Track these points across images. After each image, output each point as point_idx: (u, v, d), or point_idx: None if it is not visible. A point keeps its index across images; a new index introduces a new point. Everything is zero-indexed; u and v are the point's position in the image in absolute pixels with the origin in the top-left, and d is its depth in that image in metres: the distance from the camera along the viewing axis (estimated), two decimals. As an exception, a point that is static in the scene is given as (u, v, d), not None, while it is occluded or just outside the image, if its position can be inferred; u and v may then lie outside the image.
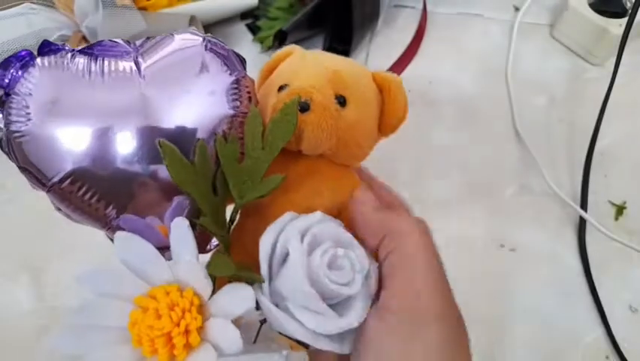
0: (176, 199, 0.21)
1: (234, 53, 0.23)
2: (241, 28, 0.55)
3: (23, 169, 0.21)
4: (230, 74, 0.22)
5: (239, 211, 0.23)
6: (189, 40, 0.22)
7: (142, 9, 0.47)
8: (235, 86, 0.22)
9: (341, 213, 0.24)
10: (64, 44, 0.22)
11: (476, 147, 0.46)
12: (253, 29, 0.55)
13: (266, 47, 0.52)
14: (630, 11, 0.43)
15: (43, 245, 0.42)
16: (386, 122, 0.26)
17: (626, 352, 0.36)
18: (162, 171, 0.21)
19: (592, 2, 0.49)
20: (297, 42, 0.52)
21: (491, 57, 0.52)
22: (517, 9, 0.56)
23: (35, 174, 0.21)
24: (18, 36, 0.45)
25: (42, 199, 0.48)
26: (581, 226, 0.41)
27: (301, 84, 0.23)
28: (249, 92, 0.22)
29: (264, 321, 0.23)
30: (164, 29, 0.52)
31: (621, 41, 0.43)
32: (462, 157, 0.46)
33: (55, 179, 0.21)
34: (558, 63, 0.52)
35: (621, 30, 0.44)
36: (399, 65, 0.52)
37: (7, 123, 0.20)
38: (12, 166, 0.50)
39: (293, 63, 0.26)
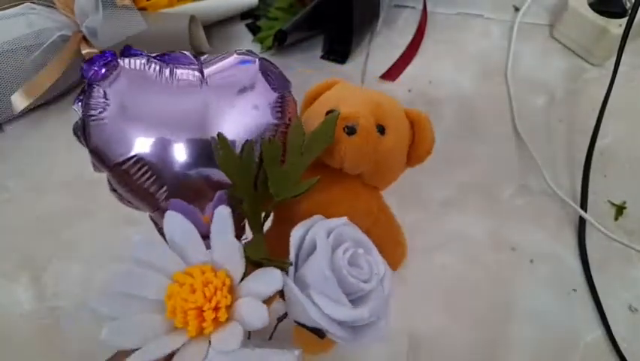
0: (219, 193, 0.25)
1: (282, 74, 0.27)
2: (241, 29, 0.55)
3: (91, 151, 0.24)
4: (276, 91, 0.25)
5: (272, 212, 0.25)
6: (246, 59, 0.26)
7: (142, 9, 0.47)
8: (280, 101, 0.25)
9: (369, 230, 0.26)
10: (142, 51, 0.25)
11: (476, 147, 0.46)
12: (253, 29, 0.55)
13: (266, 47, 0.52)
14: (630, 11, 0.43)
15: (43, 245, 0.42)
16: (414, 154, 0.29)
17: (625, 352, 0.36)
18: (209, 172, 0.24)
19: (592, 2, 0.49)
20: (296, 42, 0.53)
21: (491, 57, 0.52)
22: (517, 9, 0.56)
23: (101, 156, 0.24)
24: (18, 36, 0.45)
25: (43, 200, 0.48)
26: (581, 225, 0.42)
27: (349, 110, 0.26)
28: (290, 107, 0.26)
29: (281, 318, 0.25)
30: (164, 29, 0.52)
31: (621, 41, 0.43)
32: (462, 157, 0.46)
33: (118, 160, 0.24)
34: (558, 63, 0.52)
35: (621, 30, 0.44)
36: (399, 66, 0.52)
37: (86, 109, 0.24)
38: (13, 167, 0.50)
39: (339, 92, 0.29)
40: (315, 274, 0.21)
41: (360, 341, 0.22)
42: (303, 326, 0.22)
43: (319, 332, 0.22)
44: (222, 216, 0.21)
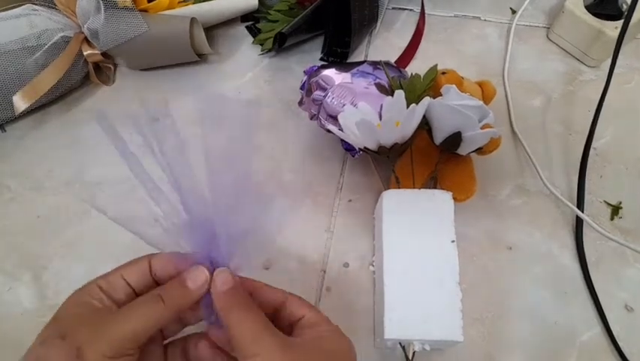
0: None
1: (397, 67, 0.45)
2: (242, 31, 0.55)
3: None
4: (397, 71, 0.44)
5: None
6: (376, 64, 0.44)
7: (143, 11, 0.48)
8: (399, 73, 0.44)
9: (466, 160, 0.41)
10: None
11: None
12: (253, 31, 0.55)
13: (266, 49, 0.53)
14: (626, 13, 0.43)
15: (45, 244, 0.42)
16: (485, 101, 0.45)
17: (621, 350, 0.37)
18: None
19: (588, 5, 0.50)
20: (296, 44, 0.53)
21: (488, 59, 0.53)
22: (514, 11, 0.56)
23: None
24: (20, 37, 0.45)
25: (43, 199, 0.48)
26: (578, 225, 0.42)
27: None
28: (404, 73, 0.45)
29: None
30: (165, 31, 0.52)
31: (617, 43, 0.43)
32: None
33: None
34: (554, 65, 0.52)
35: (617, 32, 0.45)
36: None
37: (325, 98, 0.41)
38: (14, 167, 0.50)
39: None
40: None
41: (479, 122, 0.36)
42: (444, 145, 0.37)
43: (455, 141, 0.36)
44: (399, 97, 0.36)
